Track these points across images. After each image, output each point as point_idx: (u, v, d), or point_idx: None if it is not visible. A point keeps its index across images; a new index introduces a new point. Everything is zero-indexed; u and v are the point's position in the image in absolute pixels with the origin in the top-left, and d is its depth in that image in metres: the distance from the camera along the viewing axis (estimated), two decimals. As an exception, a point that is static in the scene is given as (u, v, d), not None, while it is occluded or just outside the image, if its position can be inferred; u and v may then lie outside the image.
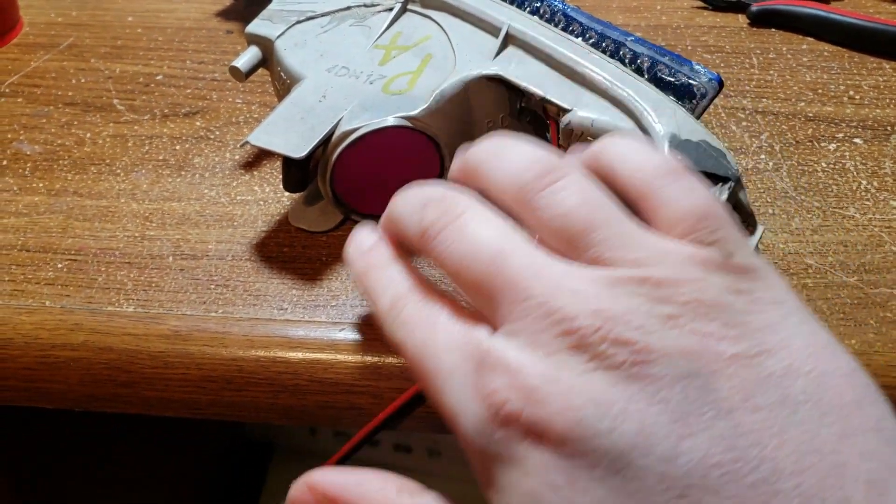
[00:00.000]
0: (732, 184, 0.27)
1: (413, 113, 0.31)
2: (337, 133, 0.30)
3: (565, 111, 0.30)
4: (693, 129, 0.28)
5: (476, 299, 0.22)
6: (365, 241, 0.26)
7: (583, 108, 0.29)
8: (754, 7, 0.45)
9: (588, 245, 0.22)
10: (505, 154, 0.24)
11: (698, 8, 0.46)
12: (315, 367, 0.30)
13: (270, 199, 0.36)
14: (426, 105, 0.31)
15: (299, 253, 0.33)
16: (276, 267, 0.33)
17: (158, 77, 0.42)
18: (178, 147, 0.38)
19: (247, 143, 0.30)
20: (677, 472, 0.19)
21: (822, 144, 0.37)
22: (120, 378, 0.30)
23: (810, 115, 0.39)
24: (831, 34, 0.43)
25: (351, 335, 0.30)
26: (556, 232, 0.22)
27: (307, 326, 0.31)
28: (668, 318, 0.20)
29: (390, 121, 0.30)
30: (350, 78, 0.32)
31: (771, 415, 0.19)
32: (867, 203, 0.34)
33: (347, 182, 0.32)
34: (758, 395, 0.20)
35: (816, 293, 0.31)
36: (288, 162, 0.31)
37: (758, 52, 0.43)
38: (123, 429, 0.55)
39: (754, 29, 0.44)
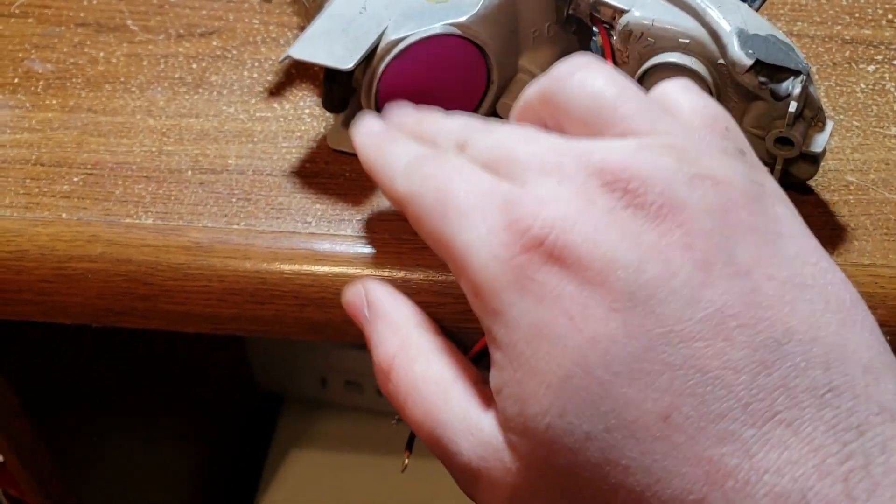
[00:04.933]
0: (804, 77, 0.26)
1: (462, 20, 0.29)
2: (382, 44, 0.29)
3: (622, 12, 0.29)
4: (760, 24, 0.27)
5: (503, 171, 0.23)
6: (374, 126, 0.27)
7: (639, 9, 0.29)
8: (788, -69, 0.43)
9: (617, 120, 0.22)
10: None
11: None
12: (342, 281, 0.29)
13: (290, 115, 0.34)
14: (475, 11, 0.29)
15: (322, 168, 0.32)
16: (298, 182, 0.32)
17: (172, -2, 0.41)
18: (194, 66, 0.37)
19: (288, 57, 0.29)
20: (696, 315, 0.19)
21: (861, 66, 0.36)
22: (139, 291, 0.30)
23: (847, 38, 0.38)
24: (868, -41, 0.42)
25: (378, 249, 0.29)
26: (585, 112, 0.22)
27: (333, 240, 0.30)
28: (695, 176, 0.20)
29: (438, 28, 0.29)
30: None
31: (784, 287, 0.20)
32: (909, 123, 0.33)
33: (392, 97, 0.30)
34: (772, 266, 0.20)
35: (859, 209, 0.30)
36: (330, 78, 0.30)
37: (792, -25, 0.41)
38: (131, 376, 0.55)
39: (787, -46, 0.43)
